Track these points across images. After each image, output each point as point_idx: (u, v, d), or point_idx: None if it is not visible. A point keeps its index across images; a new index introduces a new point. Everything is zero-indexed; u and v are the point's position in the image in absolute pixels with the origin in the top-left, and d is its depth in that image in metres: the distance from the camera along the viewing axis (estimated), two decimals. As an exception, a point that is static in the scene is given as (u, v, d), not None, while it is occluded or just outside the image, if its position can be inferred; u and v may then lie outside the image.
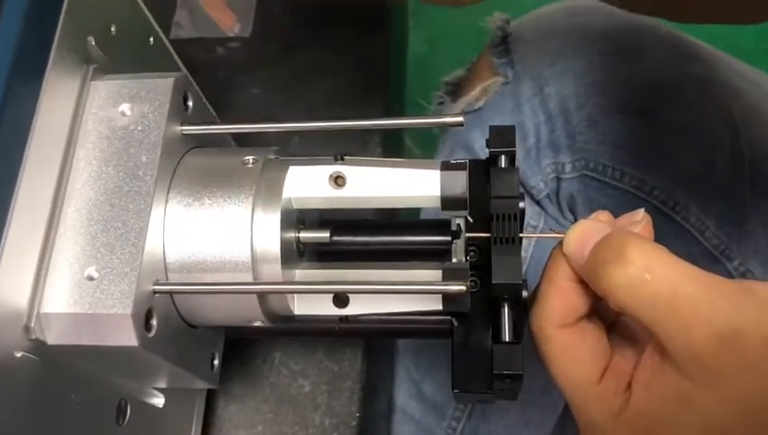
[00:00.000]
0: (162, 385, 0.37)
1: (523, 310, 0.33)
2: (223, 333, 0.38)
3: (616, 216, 0.67)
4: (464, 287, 0.30)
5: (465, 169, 0.33)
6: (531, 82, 0.62)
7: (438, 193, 0.33)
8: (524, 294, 0.32)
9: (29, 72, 0.29)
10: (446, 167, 0.33)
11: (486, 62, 0.64)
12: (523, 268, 0.62)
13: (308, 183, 0.33)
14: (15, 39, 0.29)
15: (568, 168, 0.61)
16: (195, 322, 0.34)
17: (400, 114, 0.67)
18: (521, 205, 0.33)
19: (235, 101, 0.56)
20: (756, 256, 0.60)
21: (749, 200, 0.59)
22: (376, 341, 0.50)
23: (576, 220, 0.63)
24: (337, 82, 0.57)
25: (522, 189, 0.63)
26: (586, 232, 0.31)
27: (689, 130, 0.59)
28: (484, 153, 0.65)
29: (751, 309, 0.28)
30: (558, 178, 0.62)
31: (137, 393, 0.36)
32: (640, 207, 0.68)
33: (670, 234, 0.61)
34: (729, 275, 0.60)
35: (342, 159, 0.32)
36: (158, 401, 0.38)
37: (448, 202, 0.33)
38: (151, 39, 0.38)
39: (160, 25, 0.58)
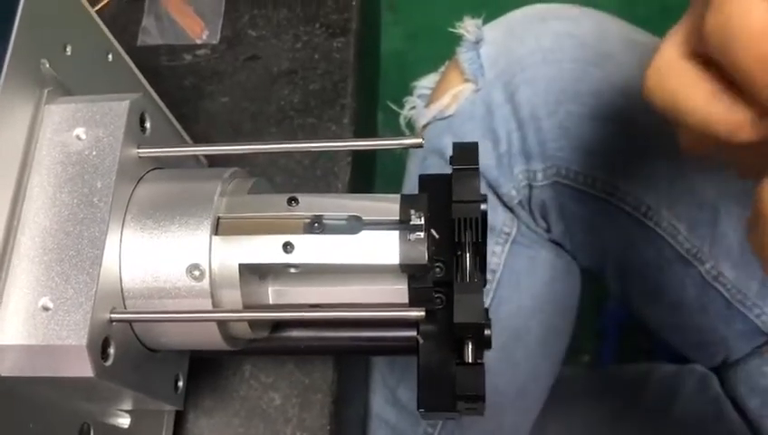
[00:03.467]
0: (126, 407, 0.36)
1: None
2: (188, 354, 0.38)
3: (589, 224, 0.67)
4: (422, 313, 0.30)
5: (425, 237, 0.32)
6: (502, 89, 0.61)
7: (397, 261, 0.32)
8: (487, 332, 0.32)
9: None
10: (405, 229, 0.32)
11: (457, 67, 0.63)
12: (497, 275, 0.62)
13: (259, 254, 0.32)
14: (-37, 66, 0.28)
15: (540, 175, 0.61)
16: (156, 346, 0.33)
17: (371, 118, 0.67)
18: (482, 207, 0.33)
19: (204, 110, 0.55)
20: (728, 259, 0.60)
21: (719, 203, 0.60)
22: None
23: (548, 228, 0.64)
24: (307, 88, 0.56)
25: (493, 194, 0.63)
26: None
27: (658, 136, 0.59)
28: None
29: None
30: (530, 186, 0.62)
31: (100, 416, 0.35)
32: (612, 213, 0.68)
33: (643, 239, 0.61)
34: (702, 279, 0.61)
35: (297, 202, 0.32)
36: (124, 421, 0.37)
37: (409, 268, 0.32)
38: (110, 56, 0.38)
39: (127, 31, 0.58)
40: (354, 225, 0.32)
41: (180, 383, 0.37)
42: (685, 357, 0.69)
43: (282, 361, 0.47)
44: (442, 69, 0.68)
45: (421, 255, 0.31)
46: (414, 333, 0.35)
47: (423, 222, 0.31)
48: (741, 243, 0.60)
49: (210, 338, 0.32)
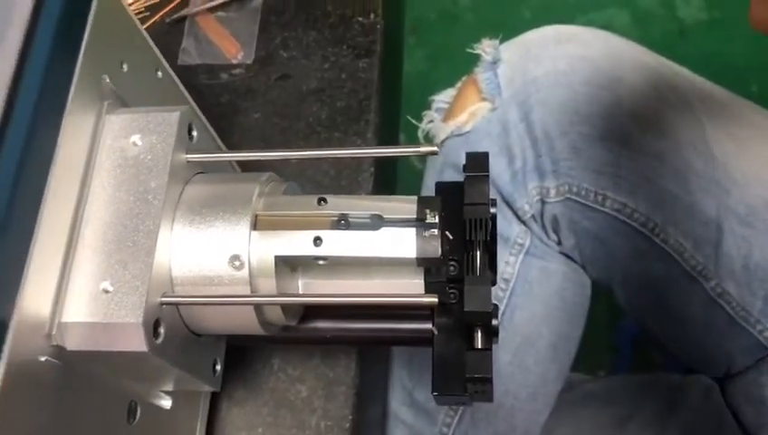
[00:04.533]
0: (169, 388, 0.40)
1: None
2: (224, 340, 0.42)
3: (598, 239, 0.69)
4: (435, 299, 0.34)
5: (439, 234, 0.35)
6: (517, 108, 0.65)
7: (414, 255, 0.35)
8: (495, 322, 0.35)
9: (51, 109, 0.33)
10: (421, 226, 0.35)
11: (474, 85, 0.67)
12: (510, 284, 0.66)
13: (292, 246, 0.36)
14: (40, 80, 0.32)
15: (552, 192, 0.64)
16: (198, 330, 0.37)
17: (393, 134, 0.71)
18: (492, 210, 0.37)
19: (238, 124, 0.59)
20: (732, 277, 0.62)
21: (723, 223, 0.62)
22: (368, 349, 0.54)
23: (559, 241, 0.67)
24: (334, 106, 0.60)
25: (508, 207, 0.67)
26: None
27: (666, 156, 0.62)
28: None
29: None
30: (543, 202, 0.65)
31: (146, 396, 0.39)
32: (622, 229, 0.71)
33: (651, 255, 0.64)
34: (707, 296, 0.63)
35: (325, 202, 0.36)
36: (166, 402, 0.41)
37: (424, 262, 0.36)
38: (159, 73, 0.42)
39: (169, 52, 0.63)
40: (376, 222, 0.36)
41: (218, 367, 0.41)
42: (691, 368, 0.72)
43: (308, 355, 0.51)
44: (459, 84, 0.71)
45: (435, 249, 0.35)
46: (429, 326, 0.39)
47: (437, 220, 0.35)
48: (744, 262, 0.63)
49: (248, 322, 0.36)
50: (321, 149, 0.36)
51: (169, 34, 0.64)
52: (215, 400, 0.49)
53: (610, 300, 0.73)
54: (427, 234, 0.35)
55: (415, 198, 0.37)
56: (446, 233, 0.37)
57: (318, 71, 0.61)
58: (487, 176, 0.38)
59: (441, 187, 0.40)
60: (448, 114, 0.70)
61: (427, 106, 0.73)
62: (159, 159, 0.35)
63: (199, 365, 0.39)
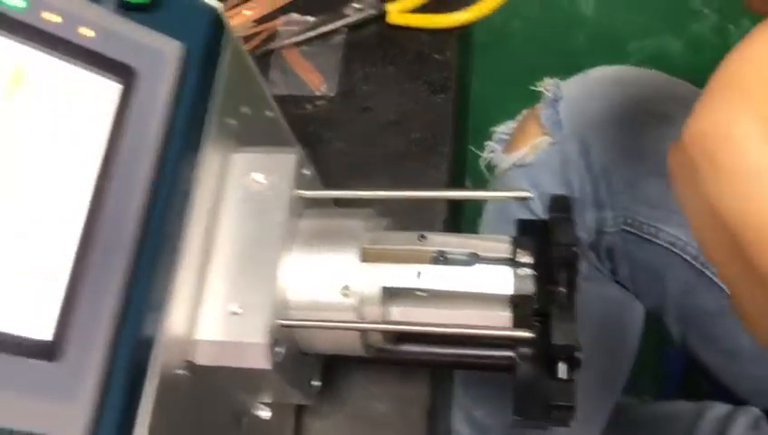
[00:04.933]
0: (270, 400, 0.44)
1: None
2: (322, 358, 0.46)
3: (651, 270, 0.71)
4: (530, 334, 0.37)
5: (533, 273, 0.39)
6: (577, 144, 0.68)
7: (510, 292, 0.39)
8: (578, 355, 0.39)
9: (191, 149, 0.37)
10: (516, 265, 0.39)
11: (536, 120, 0.71)
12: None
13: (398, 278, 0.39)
14: (185, 127, 0.37)
15: (609, 223, 0.67)
16: (306, 349, 0.41)
17: (463, 164, 0.75)
18: (575, 249, 0.40)
19: (322, 154, 0.63)
20: None
21: None
22: (440, 371, 0.57)
23: (614, 269, 0.69)
24: (410, 137, 0.64)
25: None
26: None
27: None
28: (533, 204, 0.71)
29: None
30: (599, 232, 0.68)
31: (250, 407, 0.44)
32: (674, 261, 0.74)
33: (702, 287, 0.66)
34: None
35: (424, 238, 0.40)
36: (266, 414, 0.45)
37: (516, 298, 0.39)
38: (268, 112, 0.46)
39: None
40: (472, 259, 0.39)
41: (314, 383, 0.45)
42: (740, 398, 0.74)
43: (386, 374, 0.55)
44: (519, 117, 0.75)
45: (530, 287, 0.38)
46: (508, 354, 0.42)
47: (532, 260, 0.39)
48: None
49: (352, 345, 0.40)
50: (422, 189, 0.40)
51: (258, 66, 0.68)
52: (301, 413, 0.53)
53: (660, 324, 0.75)
54: (520, 272, 0.39)
55: (507, 237, 0.40)
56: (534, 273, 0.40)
57: (396, 104, 0.65)
58: (570, 218, 0.41)
59: (523, 225, 0.44)
60: (510, 146, 0.74)
61: (487, 136, 0.77)
62: (280, 196, 0.39)
63: (302, 381, 0.43)
